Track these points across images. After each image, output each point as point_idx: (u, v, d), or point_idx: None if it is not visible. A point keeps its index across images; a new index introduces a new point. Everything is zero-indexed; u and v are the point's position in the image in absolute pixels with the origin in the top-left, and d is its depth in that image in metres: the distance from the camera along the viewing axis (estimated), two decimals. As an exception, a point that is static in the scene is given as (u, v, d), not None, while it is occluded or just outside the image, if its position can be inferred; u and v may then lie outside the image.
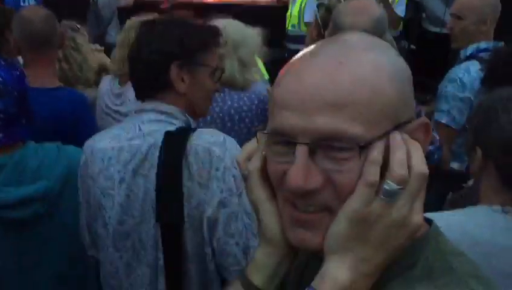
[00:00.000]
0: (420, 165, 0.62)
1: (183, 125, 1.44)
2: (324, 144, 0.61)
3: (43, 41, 2.22)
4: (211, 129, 1.55)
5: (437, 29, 4.95)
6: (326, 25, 3.16)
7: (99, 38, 5.30)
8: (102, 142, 1.45)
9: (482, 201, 1.40)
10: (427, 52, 5.03)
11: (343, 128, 0.60)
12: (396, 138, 0.62)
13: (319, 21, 3.22)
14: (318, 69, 0.63)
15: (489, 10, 2.56)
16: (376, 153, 0.61)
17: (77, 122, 2.19)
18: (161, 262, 1.39)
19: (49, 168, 1.54)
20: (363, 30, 1.72)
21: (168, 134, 1.37)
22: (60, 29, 2.37)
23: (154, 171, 1.37)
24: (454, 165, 2.51)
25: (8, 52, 2.44)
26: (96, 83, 2.78)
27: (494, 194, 1.37)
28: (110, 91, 2.50)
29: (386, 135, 0.62)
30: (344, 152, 0.61)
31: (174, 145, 1.35)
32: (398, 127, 0.63)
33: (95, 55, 2.85)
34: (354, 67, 0.62)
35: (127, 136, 1.42)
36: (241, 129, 2.17)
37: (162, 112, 1.43)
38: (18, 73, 1.53)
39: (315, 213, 0.64)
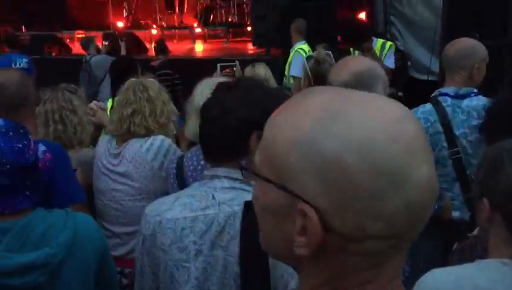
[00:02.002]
0: None
1: None
2: None
3: (16, 103, 2.20)
4: None
5: (424, 77, 5.09)
6: (316, 76, 3.24)
7: (91, 96, 5.38)
8: (172, 212, 1.39)
9: (491, 253, 1.38)
10: (414, 99, 5.14)
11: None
12: None
13: (309, 72, 3.29)
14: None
15: (467, 62, 2.57)
16: None
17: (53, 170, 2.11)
18: None
19: (54, 235, 1.50)
20: (343, 84, 1.76)
21: (247, 204, 1.29)
22: (34, 89, 2.32)
23: (235, 242, 1.32)
24: (456, 214, 2.51)
25: None
26: (93, 143, 2.78)
27: (503, 245, 1.36)
28: (108, 151, 2.49)
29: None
30: None
31: (255, 215, 1.32)
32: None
33: (90, 116, 2.85)
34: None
35: (200, 205, 1.37)
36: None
37: (235, 179, 1.38)
38: (20, 146, 1.50)
39: None
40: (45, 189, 1.71)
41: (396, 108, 0.64)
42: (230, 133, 1.39)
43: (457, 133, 2.50)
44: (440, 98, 2.57)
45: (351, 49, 4.85)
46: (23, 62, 7.20)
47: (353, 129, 0.60)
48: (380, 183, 0.59)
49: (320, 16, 6.66)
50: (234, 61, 4.70)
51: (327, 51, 3.33)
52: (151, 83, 2.61)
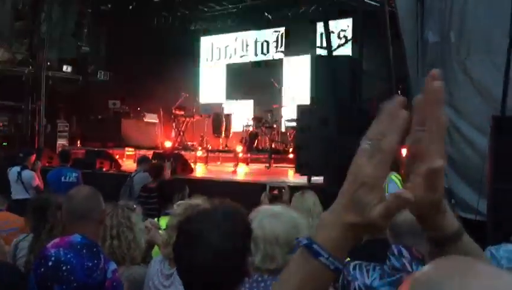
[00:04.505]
0: None
1: None
2: None
3: (80, 215, 2.34)
4: None
5: (471, 216, 5.01)
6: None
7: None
8: None
9: None
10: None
11: None
12: None
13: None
14: None
15: None
16: None
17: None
18: None
19: None
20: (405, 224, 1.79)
21: None
22: (102, 206, 2.50)
23: None
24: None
25: (56, 228, 2.68)
26: (144, 261, 2.83)
27: None
28: (160, 271, 2.53)
29: None
30: None
31: None
32: None
33: (145, 234, 2.94)
34: None
35: None
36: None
37: None
38: (91, 265, 1.56)
39: None
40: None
41: None
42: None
43: None
44: None
45: (393, 176, 4.88)
46: (72, 176, 7.66)
47: None
48: None
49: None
50: (283, 184, 4.80)
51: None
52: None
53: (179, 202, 2.94)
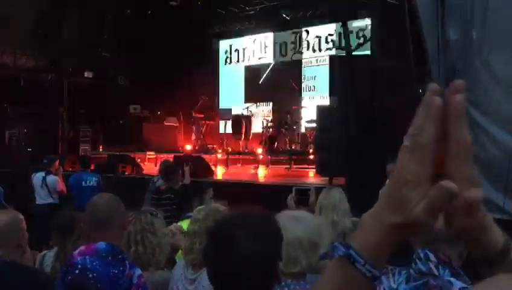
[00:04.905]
0: None
1: None
2: None
3: (103, 223, 2.36)
4: None
5: (496, 215, 4.93)
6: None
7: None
8: None
9: None
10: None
11: None
12: None
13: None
14: None
15: None
16: None
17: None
18: None
19: None
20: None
21: None
22: (124, 212, 2.51)
23: None
24: None
25: (82, 238, 2.70)
26: (168, 265, 2.85)
27: None
28: (184, 276, 2.54)
29: None
30: None
31: None
32: None
33: (168, 239, 2.96)
34: None
35: None
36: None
37: None
38: (116, 271, 1.58)
39: None
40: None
41: None
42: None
43: None
44: None
45: None
46: (92, 181, 7.77)
47: None
48: None
49: (384, 149, 6.79)
50: (309, 186, 4.80)
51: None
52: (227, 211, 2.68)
53: (199, 207, 2.95)
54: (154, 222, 2.82)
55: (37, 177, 7.82)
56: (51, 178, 7.80)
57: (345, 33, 8.33)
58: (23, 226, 2.49)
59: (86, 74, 14.61)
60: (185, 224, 3.64)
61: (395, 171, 0.70)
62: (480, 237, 0.76)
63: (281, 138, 11.85)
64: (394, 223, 0.69)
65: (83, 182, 7.68)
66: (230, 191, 6.97)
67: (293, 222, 2.07)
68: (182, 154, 10.95)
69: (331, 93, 8.56)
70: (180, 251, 3.01)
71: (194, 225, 2.65)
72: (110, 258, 1.61)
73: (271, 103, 13.58)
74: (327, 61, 10.23)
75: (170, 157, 10.25)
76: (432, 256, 1.64)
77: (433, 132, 0.68)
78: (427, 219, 0.68)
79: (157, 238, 2.80)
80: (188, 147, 12.62)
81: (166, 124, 13.61)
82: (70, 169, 10.14)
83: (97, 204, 2.47)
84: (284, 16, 13.58)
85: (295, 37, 13.97)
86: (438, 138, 0.68)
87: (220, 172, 10.70)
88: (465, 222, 0.71)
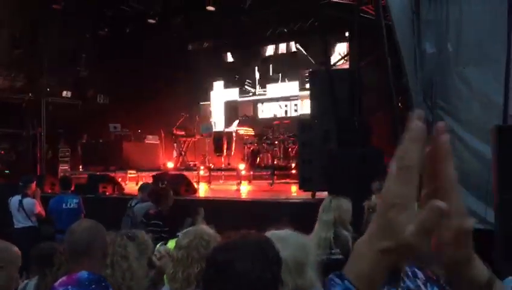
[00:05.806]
0: None
1: None
2: None
3: (83, 250, 2.28)
4: None
5: (479, 226, 4.98)
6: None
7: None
8: None
9: None
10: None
11: None
12: None
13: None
14: None
15: None
16: None
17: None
18: None
19: None
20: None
21: None
22: (105, 239, 2.44)
23: None
24: None
25: (62, 267, 2.68)
26: (154, 287, 2.77)
27: None
28: (169, 301, 2.47)
29: None
30: None
31: None
32: None
33: (142, 264, 2.84)
34: None
35: None
36: None
37: None
38: None
39: None
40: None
41: None
42: None
43: None
44: None
45: None
46: (73, 203, 7.62)
47: None
48: None
49: (366, 162, 6.84)
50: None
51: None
52: (213, 236, 2.54)
53: (185, 230, 2.87)
54: (127, 245, 2.72)
55: (13, 201, 7.64)
56: (27, 201, 7.61)
57: (323, 48, 8.42)
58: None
59: (64, 94, 14.45)
60: (173, 244, 3.56)
61: (381, 197, 0.71)
62: (465, 270, 0.77)
63: (263, 153, 11.84)
64: (386, 248, 0.69)
65: (63, 204, 7.53)
66: (216, 208, 6.90)
67: (277, 244, 2.04)
68: (160, 172, 10.84)
69: (312, 107, 8.61)
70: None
71: (177, 252, 2.57)
72: (93, 286, 1.57)
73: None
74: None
75: (150, 176, 10.14)
76: (420, 274, 1.63)
77: (417, 155, 0.70)
78: (418, 241, 0.68)
79: (128, 262, 2.68)
80: (170, 165, 12.53)
81: (147, 142, 13.50)
82: (50, 191, 9.95)
83: (76, 232, 2.40)
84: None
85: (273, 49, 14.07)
86: (421, 162, 0.70)
87: (202, 189, 10.63)
88: (455, 253, 0.73)
